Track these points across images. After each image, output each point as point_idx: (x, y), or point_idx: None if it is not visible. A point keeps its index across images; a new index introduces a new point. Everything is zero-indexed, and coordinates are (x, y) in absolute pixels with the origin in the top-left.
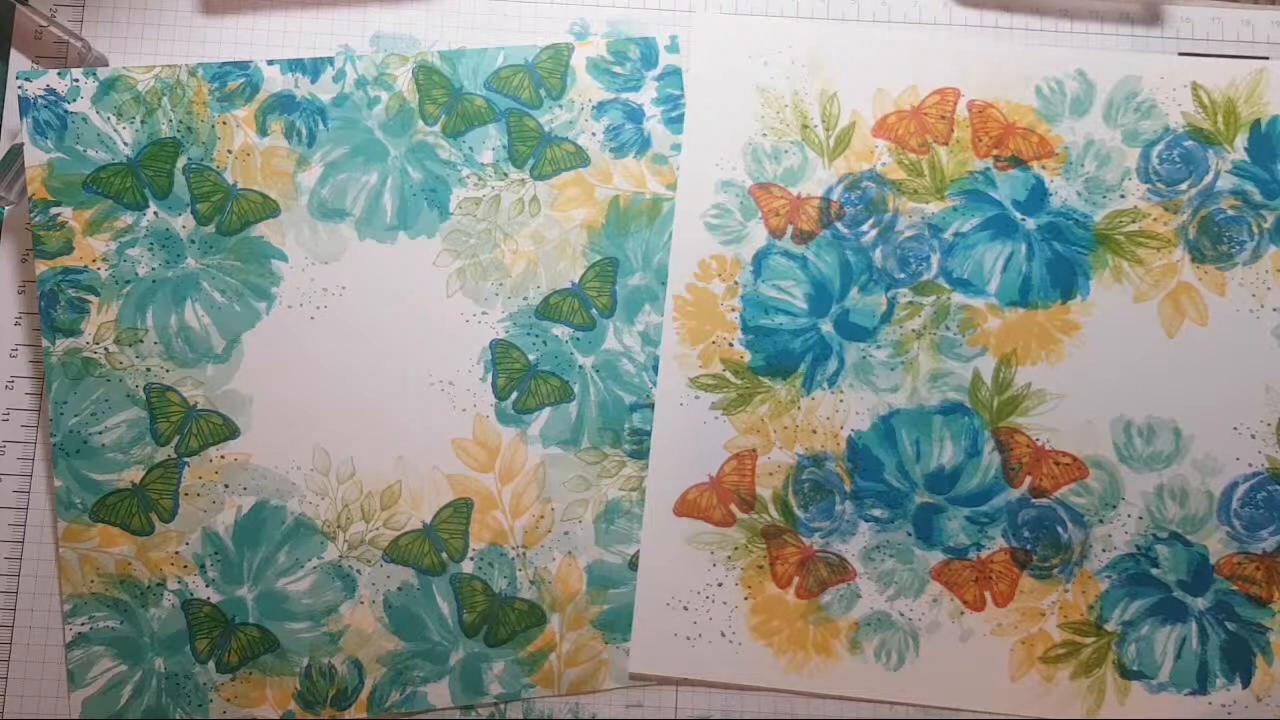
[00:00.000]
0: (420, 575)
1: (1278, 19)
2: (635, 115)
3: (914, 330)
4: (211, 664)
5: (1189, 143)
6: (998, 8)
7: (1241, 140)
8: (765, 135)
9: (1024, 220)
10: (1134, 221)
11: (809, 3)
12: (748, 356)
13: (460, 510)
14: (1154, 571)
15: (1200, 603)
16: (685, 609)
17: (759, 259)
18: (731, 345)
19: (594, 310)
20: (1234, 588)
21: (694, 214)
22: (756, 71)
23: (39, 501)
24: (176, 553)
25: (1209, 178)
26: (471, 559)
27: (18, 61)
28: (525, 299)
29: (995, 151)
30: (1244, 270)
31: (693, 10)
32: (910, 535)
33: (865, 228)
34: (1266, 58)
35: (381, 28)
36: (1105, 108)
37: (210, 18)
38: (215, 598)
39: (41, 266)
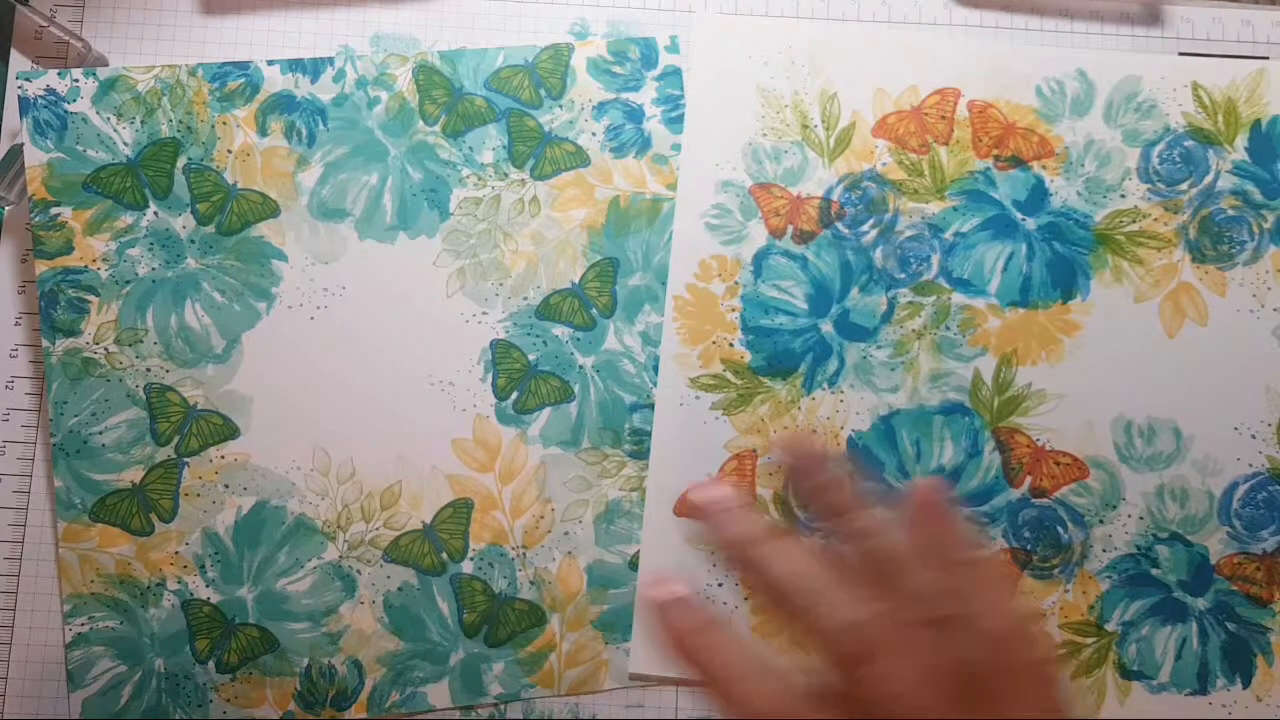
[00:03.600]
0: (420, 575)
1: (1278, 19)
2: (635, 115)
3: (914, 330)
4: (211, 664)
5: (1189, 143)
6: (998, 8)
7: (1242, 140)
8: (765, 135)
9: (1024, 220)
10: (1134, 221)
11: (809, 3)
12: (748, 357)
13: (460, 510)
14: (1154, 572)
15: (1201, 603)
16: None
17: (759, 259)
18: (732, 345)
19: (594, 310)
20: (1234, 588)
21: (694, 214)
22: (756, 71)
23: (39, 501)
24: (176, 553)
25: (1209, 178)
26: (471, 559)
27: (18, 61)
28: (525, 299)
29: (995, 151)
30: (1244, 270)
31: (692, 10)
32: None
33: (865, 228)
34: (1266, 58)
35: (381, 28)
36: (1105, 108)
37: (210, 17)
38: (215, 598)
39: (41, 267)
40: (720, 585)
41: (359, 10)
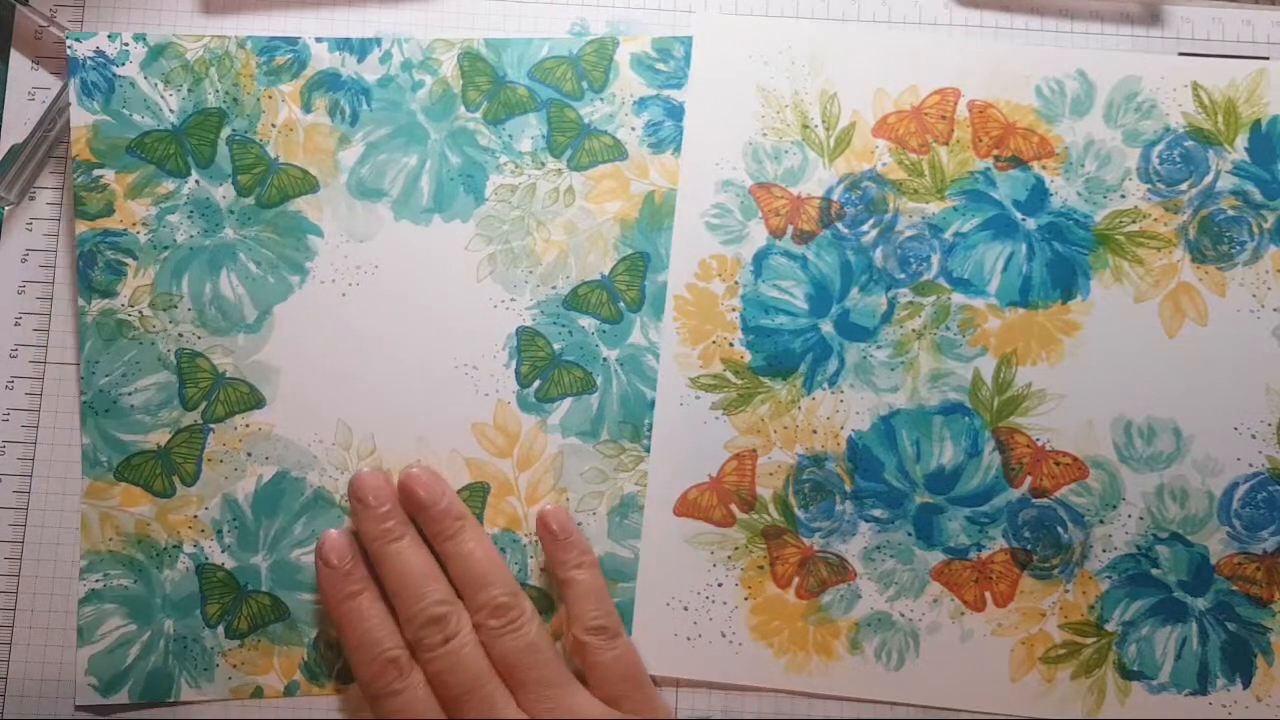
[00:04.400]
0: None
1: (1278, 19)
2: (675, 113)
3: (914, 330)
4: (221, 629)
5: (1189, 143)
6: (998, 8)
7: (1242, 140)
8: (765, 135)
9: (1024, 220)
10: (1134, 222)
11: (809, 2)
12: (748, 356)
13: (476, 494)
14: (1154, 572)
15: (1201, 603)
16: (685, 609)
17: (759, 259)
18: (732, 345)
19: (621, 304)
20: (1234, 588)
21: (694, 214)
22: (757, 71)
23: (38, 502)
24: (195, 517)
25: (1209, 178)
26: None
27: (18, 61)
28: (554, 288)
29: (995, 151)
30: (1244, 270)
31: (692, 10)
32: (910, 535)
33: (865, 228)
34: (1267, 58)
35: (381, 28)
36: (1106, 108)
37: (210, 17)
38: (230, 564)
39: (82, 226)
40: (720, 585)
41: (359, 10)
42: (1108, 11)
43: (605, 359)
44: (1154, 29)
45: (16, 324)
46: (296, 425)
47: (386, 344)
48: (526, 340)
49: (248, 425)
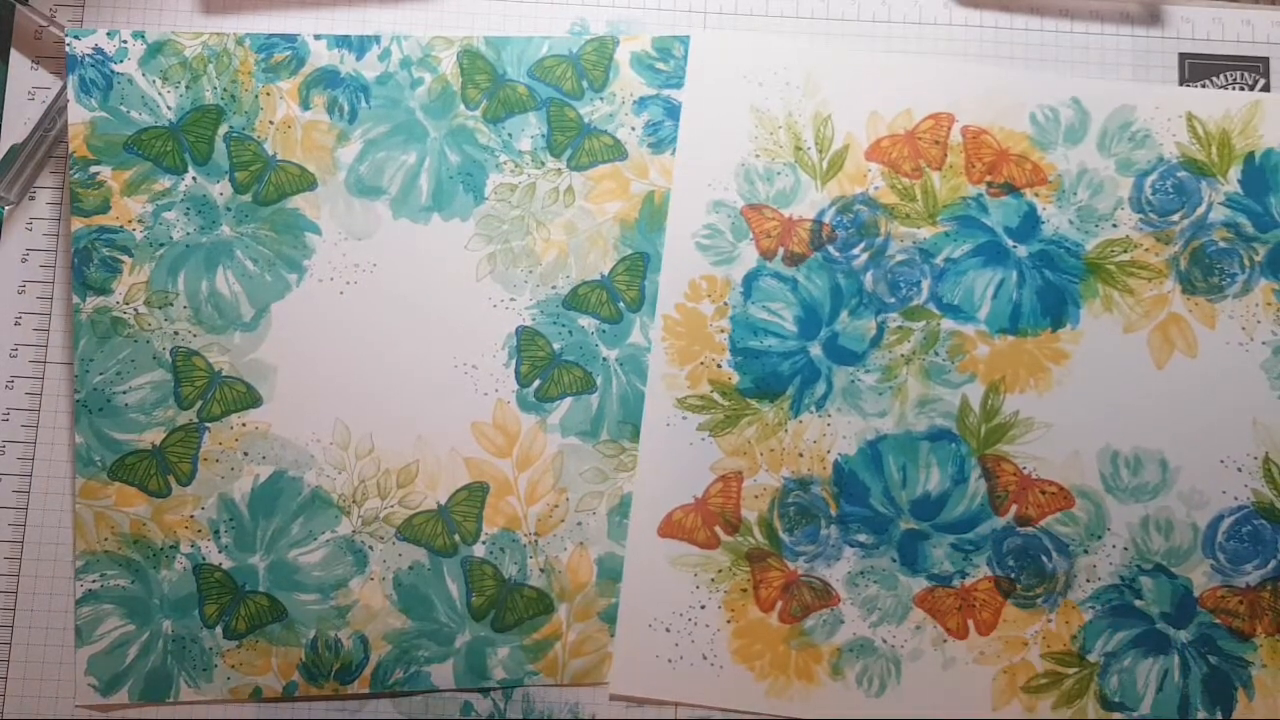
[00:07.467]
0: (432, 556)
1: (1278, 19)
2: (675, 112)
3: (903, 355)
4: (219, 629)
5: (1182, 173)
6: (997, 8)
7: (1235, 172)
8: (758, 156)
9: (1015, 247)
10: (1125, 251)
11: (809, 3)
12: (736, 378)
13: (475, 493)
14: (1137, 603)
15: (1183, 635)
16: (667, 630)
17: (749, 280)
18: (720, 366)
19: (621, 304)
20: (1217, 621)
21: (685, 234)
22: (751, 92)
23: (38, 501)
24: (191, 517)
25: (1201, 209)
26: (484, 543)
27: (18, 61)
28: (554, 288)
29: (988, 178)
30: (1234, 303)
31: (692, 10)
32: (895, 561)
33: (856, 251)
34: (1267, 58)
35: (381, 27)
36: (1099, 136)
37: (210, 17)
38: (227, 564)
39: (77, 223)
40: (703, 608)
41: (359, 10)
42: (1108, 11)
43: (605, 359)
44: (1154, 29)
45: (16, 324)
46: (294, 424)
47: (385, 343)
48: (526, 340)
49: (244, 424)
